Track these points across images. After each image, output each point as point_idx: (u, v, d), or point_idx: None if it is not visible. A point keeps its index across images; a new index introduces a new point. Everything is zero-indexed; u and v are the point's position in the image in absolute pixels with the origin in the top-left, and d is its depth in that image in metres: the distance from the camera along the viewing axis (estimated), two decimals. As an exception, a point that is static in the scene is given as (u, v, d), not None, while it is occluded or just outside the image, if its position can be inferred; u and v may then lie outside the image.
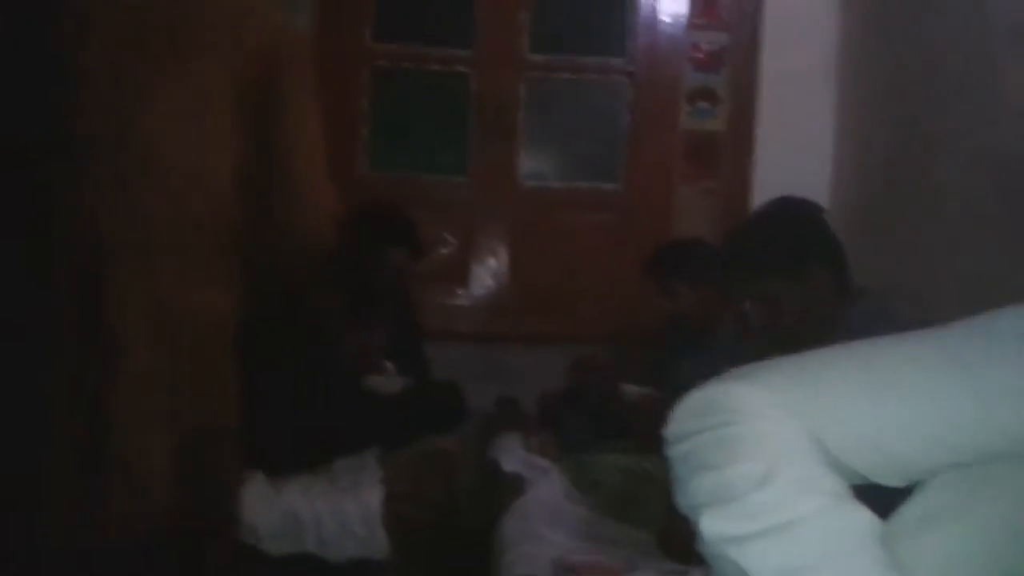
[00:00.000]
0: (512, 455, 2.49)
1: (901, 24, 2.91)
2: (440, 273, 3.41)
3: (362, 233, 2.78)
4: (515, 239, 3.50)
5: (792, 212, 1.90)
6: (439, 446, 2.62)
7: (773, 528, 0.75)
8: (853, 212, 3.14)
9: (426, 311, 3.13)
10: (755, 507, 0.76)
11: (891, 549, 0.76)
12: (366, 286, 2.79)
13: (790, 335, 1.73)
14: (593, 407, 2.69)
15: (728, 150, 3.42)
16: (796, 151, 3.26)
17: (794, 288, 1.77)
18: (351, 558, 2.19)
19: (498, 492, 2.38)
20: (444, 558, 2.36)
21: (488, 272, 3.50)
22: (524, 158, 3.53)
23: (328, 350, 2.69)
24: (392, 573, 2.23)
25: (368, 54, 3.49)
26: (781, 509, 0.76)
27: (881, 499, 0.81)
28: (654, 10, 3.44)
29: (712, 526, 0.78)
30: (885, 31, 3.07)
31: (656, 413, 0.91)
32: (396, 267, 2.77)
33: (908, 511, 0.81)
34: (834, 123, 3.30)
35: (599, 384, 2.71)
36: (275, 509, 2.17)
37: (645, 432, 2.27)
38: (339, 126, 3.44)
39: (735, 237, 1.97)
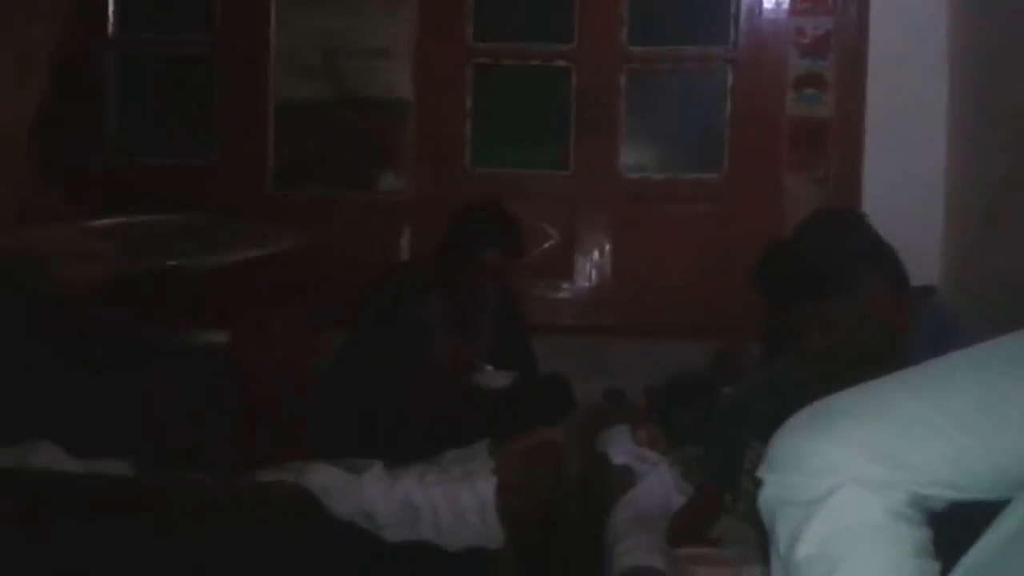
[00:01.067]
0: (621, 448, 2.50)
1: (1012, 4, 2.80)
2: (544, 267, 3.44)
3: (464, 232, 2.84)
4: (617, 232, 3.51)
5: (832, 225, 1.79)
6: (547, 438, 2.65)
7: None
8: (968, 198, 3.05)
9: (531, 305, 3.17)
10: None
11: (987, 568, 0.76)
12: (468, 284, 2.85)
13: (858, 352, 1.59)
14: (707, 399, 2.67)
15: (837, 138, 3.35)
16: (908, 137, 3.18)
17: (847, 305, 1.62)
18: (467, 546, 2.24)
19: (607, 484, 2.40)
20: (555, 548, 2.39)
21: (591, 265, 3.51)
22: (625, 150, 3.53)
23: (434, 350, 2.77)
24: (506, 562, 2.27)
25: (470, 52, 3.54)
26: None
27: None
28: (756, -4, 3.40)
29: None
30: (996, 11, 2.95)
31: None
32: (496, 265, 2.82)
33: (1003, 525, 0.78)
34: (947, 105, 3.20)
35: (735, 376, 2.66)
36: (393, 498, 2.24)
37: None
38: (443, 123, 3.52)
39: (770, 260, 1.86)
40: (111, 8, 3.52)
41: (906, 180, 3.15)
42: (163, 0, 3.63)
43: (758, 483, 0.82)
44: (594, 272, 3.51)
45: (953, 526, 0.79)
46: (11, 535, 2.19)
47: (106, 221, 1.09)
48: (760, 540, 0.90)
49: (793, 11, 3.37)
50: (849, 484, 0.77)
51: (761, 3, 3.40)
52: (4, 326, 2.41)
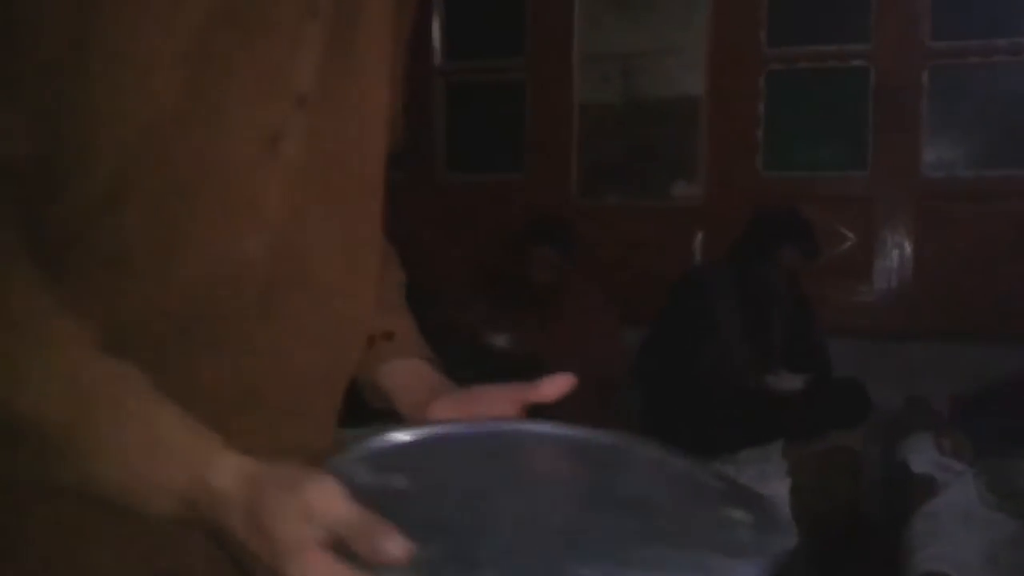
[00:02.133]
0: (923, 456, 2.47)
1: None
2: (841, 269, 3.42)
3: (760, 232, 2.92)
4: (919, 232, 3.41)
5: None
6: (843, 443, 2.68)
7: None
8: None
9: (828, 308, 3.18)
10: None
11: None
12: (763, 285, 2.92)
13: None
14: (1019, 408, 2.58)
15: None
16: None
17: None
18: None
19: (907, 492, 2.39)
20: (854, 552, 2.43)
21: (891, 267, 3.44)
22: (928, 149, 3.42)
23: (730, 350, 2.87)
24: (800, 561, 2.35)
25: (764, 58, 3.59)
26: None
27: None
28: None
29: None
30: None
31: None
32: (791, 265, 2.87)
33: None
34: None
35: None
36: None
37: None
38: (736, 130, 3.59)
39: None
40: (438, 40, 3.93)
41: None
42: (484, 30, 3.99)
43: None
44: (894, 274, 3.44)
45: None
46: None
47: None
48: None
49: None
50: None
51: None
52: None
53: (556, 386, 0.75)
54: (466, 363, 2.87)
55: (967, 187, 3.39)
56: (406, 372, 0.81)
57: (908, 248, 3.42)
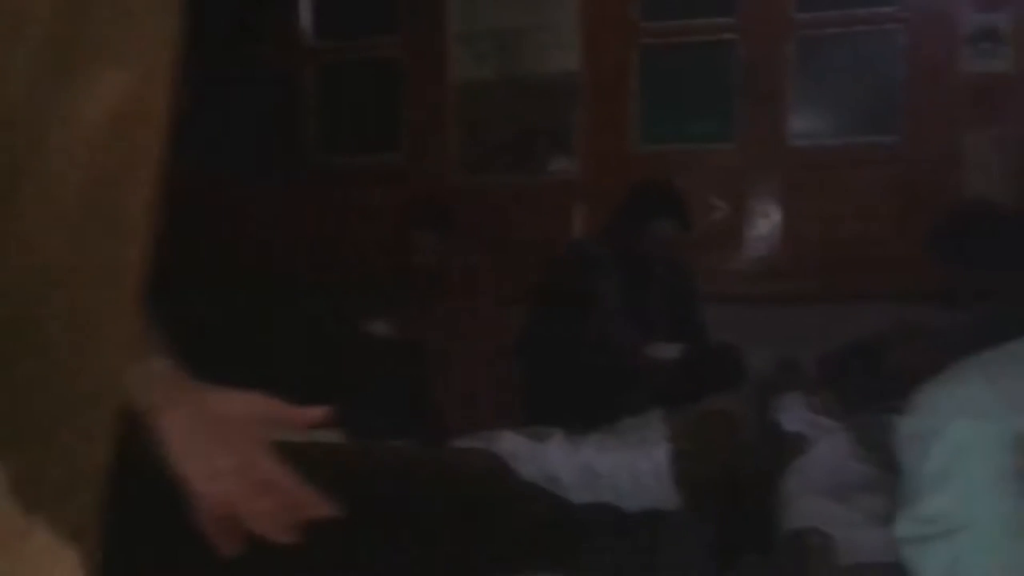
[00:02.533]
0: (794, 415, 2.56)
1: None
2: (713, 238, 3.51)
3: (635, 206, 2.96)
4: (787, 200, 3.52)
5: None
6: (720, 406, 2.75)
7: (943, 534, 0.92)
8: None
9: (703, 276, 3.25)
10: (929, 511, 0.94)
11: None
12: (641, 258, 2.97)
13: None
14: (887, 367, 2.67)
15: (1017, 93, 3.22)
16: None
17: None
18: (644, 508, 2.39)
19: (780, 450, 2.47)
20: (730, 511, 2.49)
21: (760, 234, 3.55)
22: (794, 118, 3.52)
23: (609, 323, 2.91)
24: (681, 523, 2.40)
25: (637, 33, 3.63)
26: (949, 516, 0.93)
27: None
28: (928, -49, 3.30)
29: (900, 526, 0.94)
30: None
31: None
32: (665, 237, 2.91)
33: None
34: None
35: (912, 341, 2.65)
36: (574, 463, 2.42)
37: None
38: (612, 105, 3.63)
39: (973, 222, 1.87)
40: (307, 19, 3.83)
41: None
42: (355, 8, 3.90)
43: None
44: (764, 241, 3.54)
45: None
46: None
47: None
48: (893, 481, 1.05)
49: (968, -36, 3.26)
50: (967, 418, 0.96)
51: (933, -42, 3.30)
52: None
53: (309, 416, 0.74)
54: (345, 352, 2.83)
55: (832, 155, 3.52)
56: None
57: (777, 216, 3.53)
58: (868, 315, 3.09)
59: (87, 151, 0.53)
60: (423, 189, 3.47)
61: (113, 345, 0.61)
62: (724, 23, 3.56)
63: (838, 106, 3.60)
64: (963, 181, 3.29)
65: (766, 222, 3.54)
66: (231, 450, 0.73)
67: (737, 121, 3.56)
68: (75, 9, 0.50)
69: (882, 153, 3.46)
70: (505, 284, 3.19)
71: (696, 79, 3.68)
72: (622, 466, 2.39)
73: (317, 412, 0.74)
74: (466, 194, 3.60)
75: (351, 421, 2.62)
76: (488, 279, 3.07)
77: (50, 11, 0.49)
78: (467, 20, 3.68)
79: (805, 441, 2.38)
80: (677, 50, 3.66)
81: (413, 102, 3.78)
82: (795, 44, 3.48)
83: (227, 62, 3.33)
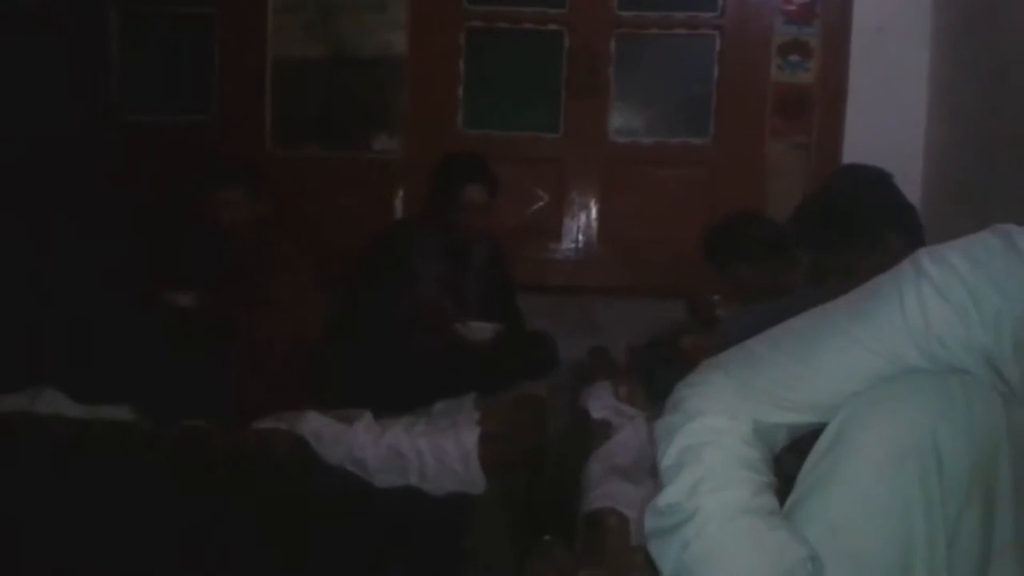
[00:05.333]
0: (601, 403, 2.61)
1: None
2: (533, 228, 3.54)
3: (443, 178, 2.93)
4: (605, 194, 3.60)
5: (860, 181, 1.91)
6: (531, 392, 2.77)
7: (676, 524, 0.97)
8: (945, 167, 3.13)
9: (520, 265, 3.27)
10: (664, 503, 0.99)
11: (811, 472, 1.00)
12: (456, 237, 2.95)
13: None
14: (681, 358, 2.77)
15: (820, 104, 3.43)
16: (888, 105, 3.25)
17: (868, 258, 1.77)
18: (450, 492, 2.37)
19: (587, 437, 2.52)
20: (535, 495, 2.52)
21: (579, 226, 3.61)
22: (614, 114, 3.60)
23: (422, 305, 2.87)
24: (487, 507, 2.40)
25: (464, 15, 3.60)
26: (680, 506, 0.98)
27: None
28: (745, -37, 3.45)
29: (645, 521, 1.02)
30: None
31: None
32: (477, 202, 2.90)
33: (822, 439, 1.02)
34: (927, 76, 3.27)
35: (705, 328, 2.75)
36: (381, 445, 2.37)
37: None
38: (437, 87, 3.59)
39: (803, 211, 2.00)
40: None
41: (886, 147, 3.20)
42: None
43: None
44: (581, 233, 3.61)
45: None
46: (17, 478, 2.31)
47: None
48: None
49: (780, -22, 3.43)
50: (705, 415, 1.01)
51: (749, -30, 3.46)
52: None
53: None
54: (153, 326, 2.65)
55: (648, 153, 3.62)
56: None
57: (594, 209, 3.60)
58: (673, 308, 3.20)
59: None
60: (235, 154, 3.30)
61: None
62: (554, 14, 3.59)
63: (656, 105, 3.70)
64: (765, 186, 3.47)
65: (583, 214, 3.61)
66: None
67: (562, 112, 3.60)
68: None
69: (693, 154, 3.60)
70: (321, 261, 3.09)
71: (524, 67, 3.69)
72: (430, 449, 2.36)
73: None
74: (282, 166, 3.47)
75: (142, 398, 2.46)
76: (301, 257, 2.95)
77: None
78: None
79: (611, 428, 2.44)
80: (506, 36, 3.65)
81: (227, 68, 3.60)
82: (617, 41, 3.56)
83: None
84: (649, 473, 2.14)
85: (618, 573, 1.51)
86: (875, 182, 1.89)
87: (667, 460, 1.01)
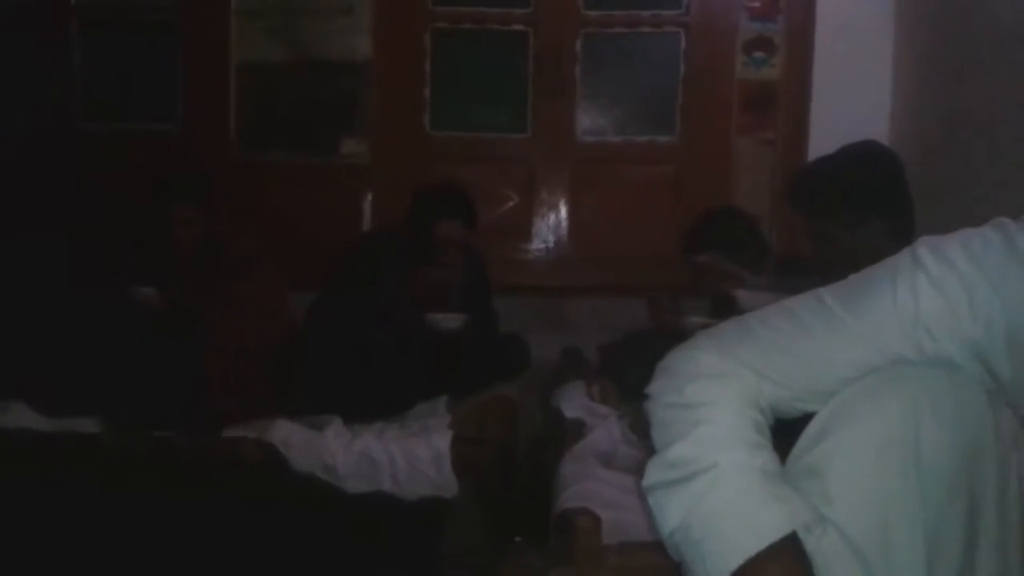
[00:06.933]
0: (574, 402, 2.60)
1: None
2: (503, 229, 3.53)
3: (420, 209, 2.89)
4: (574, 193, 3.59)
5: (863, 159, 1.92)
6: (503, 394, 2.76)
7: (686, 477, 0.99)
8: (909, 162, 3.14)
9: (491, 266, 3.26)
10: (675, 457, 1.00)
11: (799, 460, 1.01)
12: (431, 256, 2.92)
13: (837, 275, 1.76)
14: (655, 353, 2.76)
15: (785, 100, 3.45)
16: (853, 100, 3.27)
17: (844, 232, 1.84)
18: (423, 496, 2.36)
19: (560, 437, 2.51)
20: (509, 497, 2.51)
21: (549, 226, 3.61)
22: (581, 113, 3.60)
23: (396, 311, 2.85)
24: (460, 511, 2.38)
25: (429, 16, 3.58)
26: (695, 460, 0.99)
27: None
28: (709, -40, 3.47)
29: (648, 475, 1.03)
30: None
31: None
32: (452, 237, 2.88)
33: (811, 427, 1.04)
34: (891, 71, 3.30)
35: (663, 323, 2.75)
36: (352, 451, 2.35)
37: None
38: (404, 89, 3.57)
39: (806, 171, 2.04)
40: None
41: (850, 140, 3.25)
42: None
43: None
44: (551, 233, 3.61)
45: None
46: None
47: None
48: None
49: (744, -26, 3.45)
50: (704, 378, 1.03)
51: (714, -33, 3.47)
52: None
53: None
54: (120, 324, 2.61)
55: (615, 151, 3.62)
56: None
57: (564, 208, 3.60)
58: (642, 307, 3.20)
59: None
60: (198, 163, 3.26)
61: None
62: (519, 14, 3.59)
63: (623, 104, 3.71)
64: (733, 182, 3.48)
65: (553, 214, 3.60)
66: None
67: (530, 112, 3.60)
68: None
69: (660, 152, 3.60)
70: (288, 267, 3.06)
71: (491, 67, 3.68)
72: (401, 454, 2.34)
73: None
74: (249, 172, 3.44)
75: (109, 408, 2.42)
76: (267, 260, 2.92)
77: None
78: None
79: (584, 427, 2.43)
80: (472, 37, 3.64)
81: (191, 74, 3.56)
82: (583, 40, 3.56)
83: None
84: (623, 471, 2.14)
85: (589, 574, 1.50)
86: (876, 164, 1.91)
87: (666, 415, 1.04)
